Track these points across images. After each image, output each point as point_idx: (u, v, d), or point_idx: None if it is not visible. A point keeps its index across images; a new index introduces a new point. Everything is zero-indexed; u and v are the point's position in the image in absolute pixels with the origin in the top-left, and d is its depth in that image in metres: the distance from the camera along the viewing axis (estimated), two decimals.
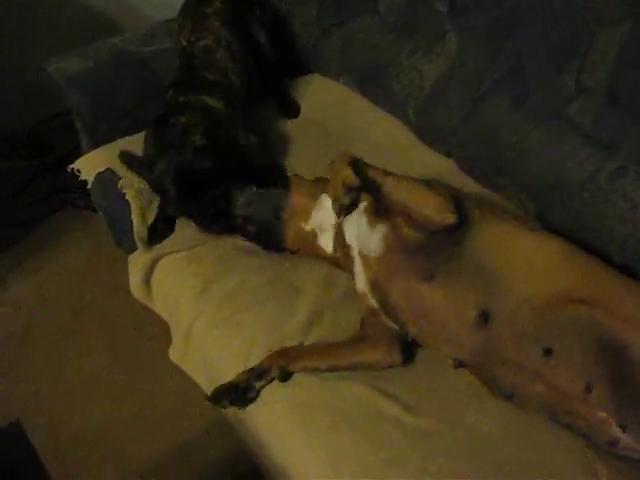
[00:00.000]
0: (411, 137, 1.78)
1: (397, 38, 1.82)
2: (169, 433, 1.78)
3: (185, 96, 1.66)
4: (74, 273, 2.27)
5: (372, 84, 1.89)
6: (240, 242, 1.53)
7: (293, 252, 1.48)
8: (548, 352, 1.11)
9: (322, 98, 1.96)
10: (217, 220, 1.50)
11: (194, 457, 1.73)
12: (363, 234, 1.30)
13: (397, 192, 1.25)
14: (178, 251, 1.55)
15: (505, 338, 1.14)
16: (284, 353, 1.28)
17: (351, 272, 1.35)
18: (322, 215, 1.42)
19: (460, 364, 1.20)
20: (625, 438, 1.04)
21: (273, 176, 1.57)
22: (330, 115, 1.90)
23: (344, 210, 1.26)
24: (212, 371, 1.41)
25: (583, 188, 1.40)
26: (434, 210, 1.21)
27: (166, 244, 1.58)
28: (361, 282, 1.31)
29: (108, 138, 1.85)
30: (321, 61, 2.03)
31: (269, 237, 1.46)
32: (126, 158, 1.55)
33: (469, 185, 1.61)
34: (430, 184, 1.28)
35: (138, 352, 1.98)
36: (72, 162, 1.87)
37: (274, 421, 1.24)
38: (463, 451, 1.12)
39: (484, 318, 1.15)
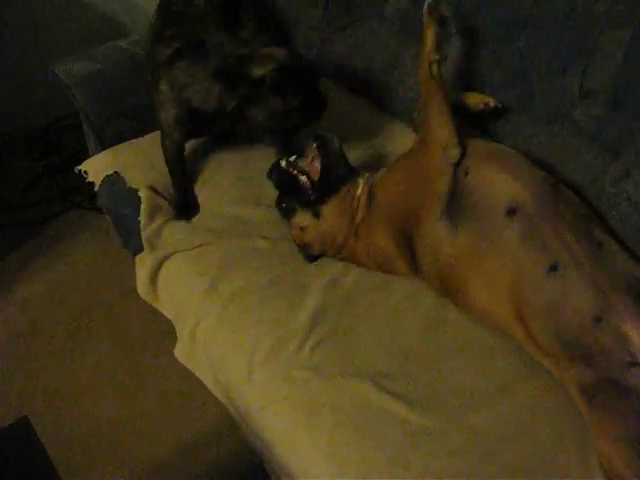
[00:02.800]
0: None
1: (402, 42, 1.83)
2: (175, 432, 1.79)
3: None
4: (81, 273, 2.29)
5: (377, 88, 1.90)
6: (246, 242, 1.55)
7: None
8: (600, 246, 1.18)
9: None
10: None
11: (200, 456, 1.73)
12: None
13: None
14: (184, 251, 1.56)
15: (570, 210, 1.23)
16: None
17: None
18: None
19: (513, 211, 1.21)
20: None
21: None
22: (334, 120, 1.90)
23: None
24: (218, 370, 1.42)
25: (587, 191, 1.40)
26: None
27: (172, 244, 1.59)
28: None
29: (115, 140, 1.87)
30: (326, 65, 2.04)
31: (334, 172, 1.47)
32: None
33: None
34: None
35: (145, 351, 2.00)
36: (79, 163, 1.89)
37: (279, 420, 1.25)
38: (467, 451, 1.12)
39: (554, 183, 1.27)
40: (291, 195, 1.50)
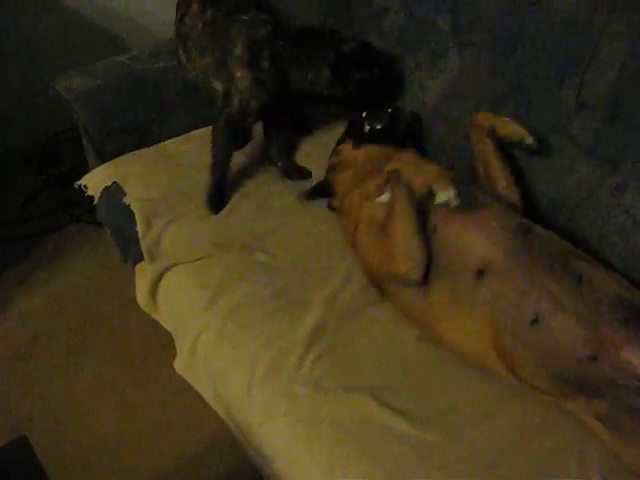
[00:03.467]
0: None
1: (400, 55, 1.84)
2: (176, 445, 1.78)
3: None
4: (80, 287, 2.29)
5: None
6: (248, 255, 1.55)
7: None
8: (579, 279, 1.14)
9: None
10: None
11: (200, 471, 1.73)
12: None
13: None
14: (185, 263, 1.56)
15: (544, 253, 1.18)
16: None
17: None
18: None
19: (482, 272, 1.19)
20: None
21: None
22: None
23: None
24: (217, 385, 1.41)
25: (585, 204, 1.41)
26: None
27: (173, 255, 1.59)
28: None
29: (115, 155, 1.88)
30: None
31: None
32: None
33: None
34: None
35: (145, 365, 1.99)
36: (79, 177, 1.90)
37: (279, 435, 1.25)
38: (466, 466, 1.12)
39: (526, 229, 1.23)
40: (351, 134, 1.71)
